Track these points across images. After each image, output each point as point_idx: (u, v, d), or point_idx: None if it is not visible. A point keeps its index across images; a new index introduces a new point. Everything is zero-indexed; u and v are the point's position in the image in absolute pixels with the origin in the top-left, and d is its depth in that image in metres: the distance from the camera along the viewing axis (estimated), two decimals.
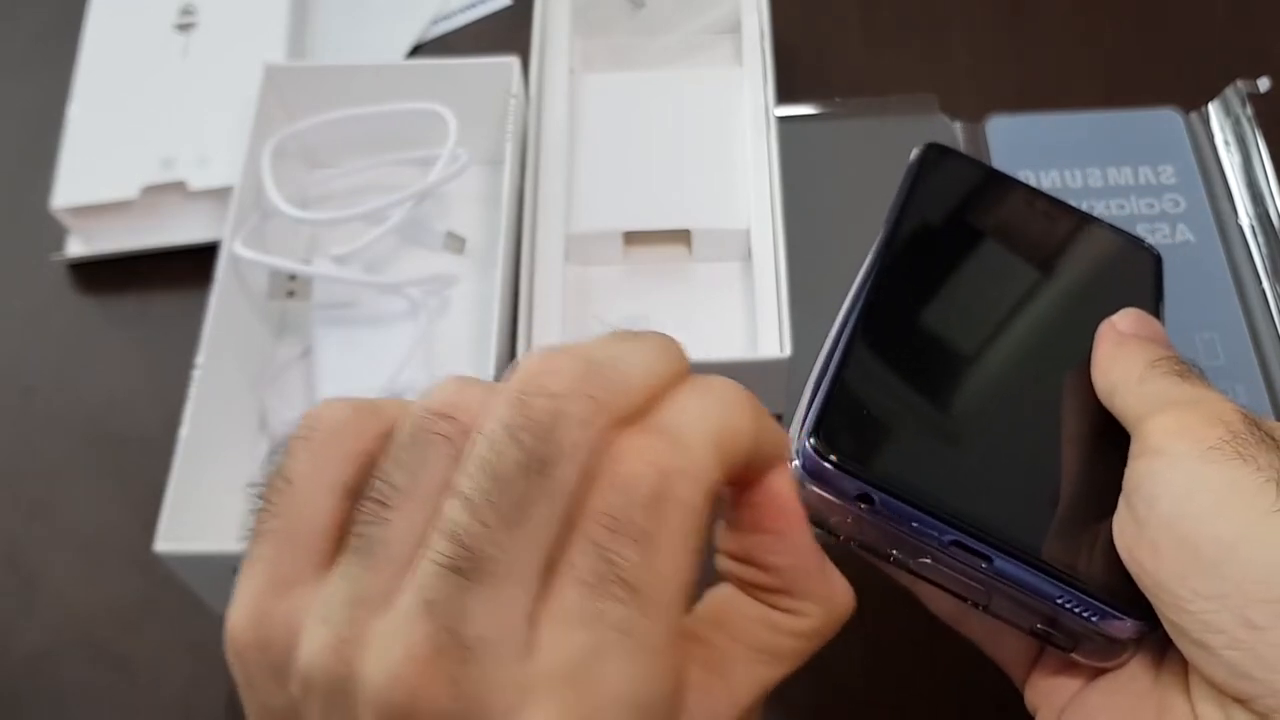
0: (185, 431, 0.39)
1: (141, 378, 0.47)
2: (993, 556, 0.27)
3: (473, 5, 0.57)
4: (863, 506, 0.27)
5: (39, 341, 0.49)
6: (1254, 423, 0.26)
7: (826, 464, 0.27)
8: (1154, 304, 0.34)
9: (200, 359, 0.40)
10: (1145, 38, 0.55)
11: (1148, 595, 0.26)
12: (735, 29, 0.52)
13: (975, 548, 0.27)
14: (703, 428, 0.21)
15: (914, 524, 0.27)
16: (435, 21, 0.57)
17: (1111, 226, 0.36)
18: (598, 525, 0.20)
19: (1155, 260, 0.35)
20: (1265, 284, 0.46)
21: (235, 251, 0.43)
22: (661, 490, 0.20)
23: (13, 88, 0.56)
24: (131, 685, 0.41)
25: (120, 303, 0.50)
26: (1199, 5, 0.56)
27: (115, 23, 0.53)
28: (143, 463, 0.43)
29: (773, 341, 0.42)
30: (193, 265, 0.47)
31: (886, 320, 0.31)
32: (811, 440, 0.28)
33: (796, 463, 0.28)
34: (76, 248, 0.50)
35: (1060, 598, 0.27)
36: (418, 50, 0.56)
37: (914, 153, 0.36)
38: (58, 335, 0.49)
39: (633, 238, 0.47)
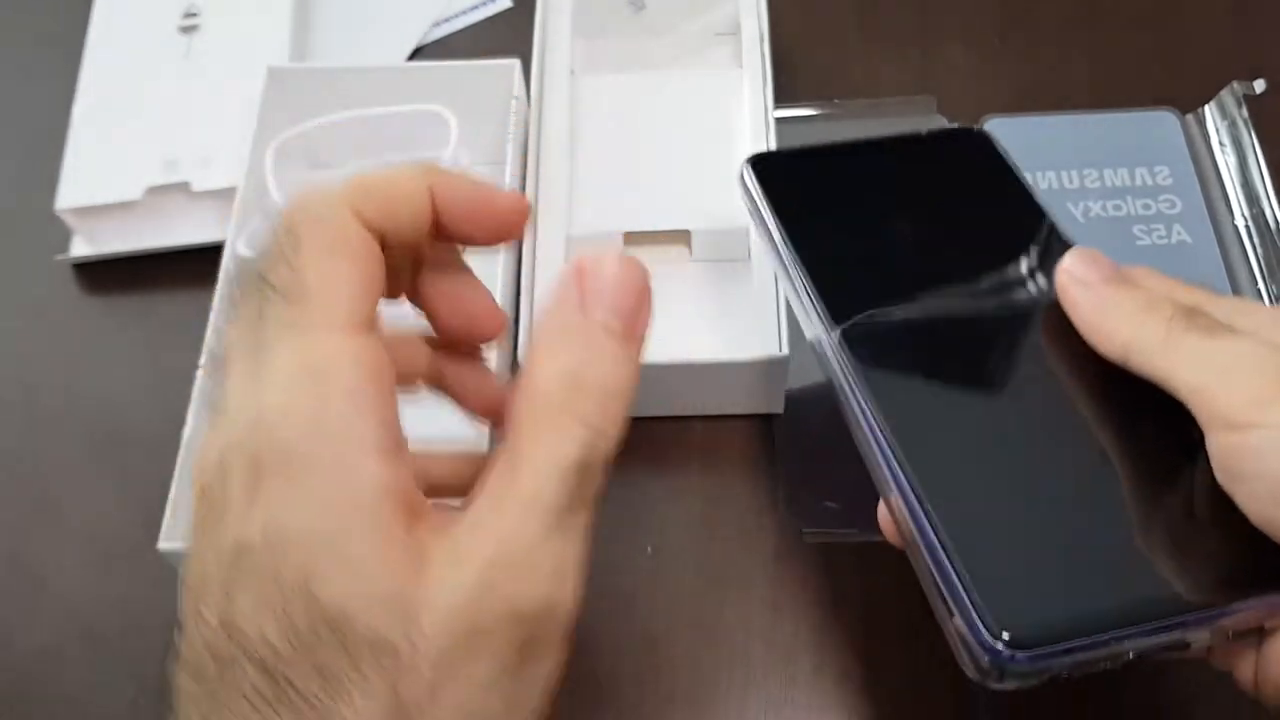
0: (189, 431, 0.39)
1: (145, 378, 0.48)
2: (1183, 634, 0.26)
3: (474, 8, 0.58)
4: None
5: (43, 342, 0.49)
6: None
7: (1028, 653, 0.25)
8: (1018, 180, 0.37)
9: (204, 359, 0.41)
10: (1142, 40, 0.55)
11: None
12: (735, 31, 0.52)
13: (1166, 642, 0.26)
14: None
15: (1109, 645, 0.26)
16: (436, 24, 0.57)
17: (931, 133, 0.39)
18: None
19: (985, 138, 0.38)
20: (1260, 285, 0.46)
21: (239, 252, 0.43)
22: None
23: (17, 89, 0.56)
24: (134, 683, 0.41)
25: (124, 303, 0.50)
26: (1196, 7, 0.56)
27: (119, 25, 0.54)
28: (146, 462, 0.43)
29: (773, 341, 0.42)
30: (196, 266, 0.47)
31: (932, 445, 0.29)
32: (1001, 640, 0.25)
33: (989, 662, 0.25)
34: (81, 248, 0.50)
35: (1239, 609, 0.26)
36: (419, 53, 0.56)
37: (744, 176, 0.37)
38: (62, 335, 0.49)
39: (633, 238, 0.47)
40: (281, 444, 0.22)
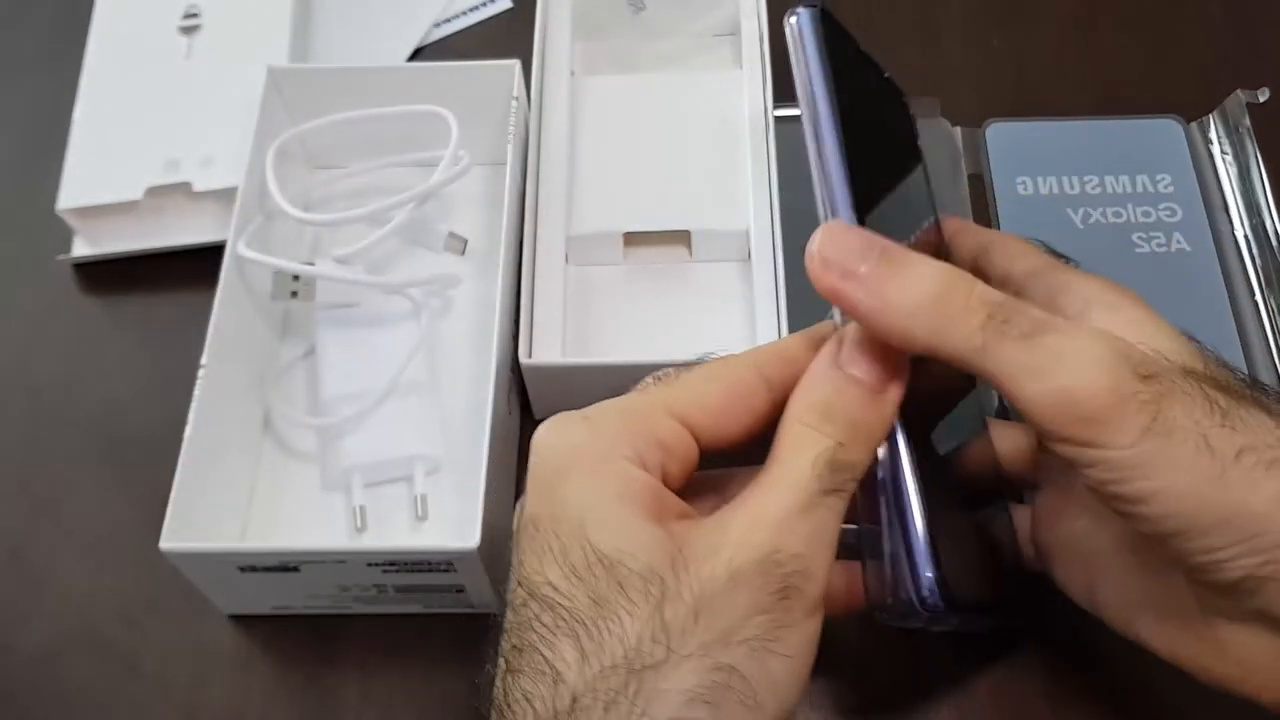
0: (190, 431, 0.39)
1: (146, 378, 0.48)
2: None
3: (474, 8, 0.58)
4: None
5: (45, 342, 0.49)
6: (1146, 359, 0.27)
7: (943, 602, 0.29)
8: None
9: (205, 359, 0.41)
10: (1148, 47, 0.55)
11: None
12: (735, 31, 0.52)
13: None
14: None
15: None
16: (437, 24, 0.57)
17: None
18: None
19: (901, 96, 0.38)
20: (1258, 296, 0.46)
21: (239, 252, 0.43)
22: None
23: (18, 90, 0.56)
24: (136, 683, 0.41)
25: (125, 303, 0.50)
26: (1202, 14, 0.56)
27: (120, 25, 0.54)
28: (147, 462, 0.43)
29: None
30: (197, 266, 0.47)
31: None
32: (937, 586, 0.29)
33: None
34: (82, 249, 0.50)
35: None
36: (420, 53, 0.56)
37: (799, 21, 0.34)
38: (63, 336, 0.49)
39: (633, 238, 0.47)
40: (561, 457, 0.29)
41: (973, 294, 0.28)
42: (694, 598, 0.26)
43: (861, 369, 0.29)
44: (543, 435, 0.30)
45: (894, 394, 0.30)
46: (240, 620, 0.42)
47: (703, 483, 0.31)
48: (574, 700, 0.26)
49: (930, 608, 0.29)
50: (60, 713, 0.41)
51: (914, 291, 0.28)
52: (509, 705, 0.27)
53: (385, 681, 0.41)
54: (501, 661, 0.28)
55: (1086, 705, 0.39)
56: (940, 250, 0.35)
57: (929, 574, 0.29)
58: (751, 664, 0.26)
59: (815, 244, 0.29)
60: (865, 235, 0.29)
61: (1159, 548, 0.28)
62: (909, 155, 0.37)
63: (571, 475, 0.29)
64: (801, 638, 0.27)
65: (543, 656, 0.27)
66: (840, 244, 0.29)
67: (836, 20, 0.35)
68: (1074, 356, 0.27)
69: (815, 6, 0.34)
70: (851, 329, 0.30)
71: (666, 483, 0.30)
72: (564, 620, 0.27)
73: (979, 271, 0.33)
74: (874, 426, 0.29)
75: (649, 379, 0.31)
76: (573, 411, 0.30)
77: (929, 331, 0.28)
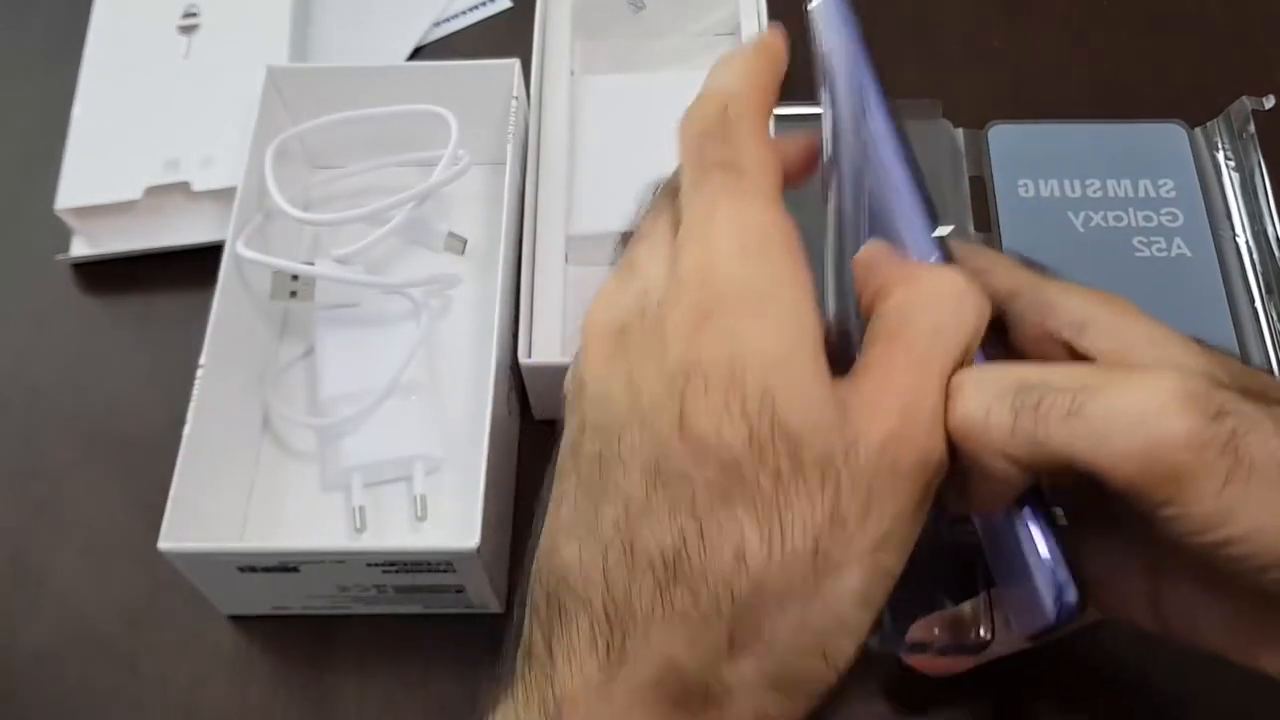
0: (189, 431, 0.39)
1: (145, 378, 0.48)
2: None
3: (474, 8, 0.58)
4: None
5: (44, 342, 0.49)
6: (1207, 395, 0.25)
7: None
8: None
9: (204, 359, 0.41)
10: (1152, 50, 0.55)
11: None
12: (734, 31, 0.52)
13: None
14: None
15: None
16: (437, 24, 0.57)
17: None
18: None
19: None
20: (1258, 303, 0.46)
21: (238, 252, 0.43)
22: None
23: (17, 89, 0.56)
24: (135, 683, 0.41)
25: (124, 303, 0.50)
26: (1206, 19, 0.56)
27: (119, 24, 0.54)
28: (147, 462, 0.43)
29: None
30: (196, 266, 0.47)
31: None
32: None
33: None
34: (81, 249, 0.50)
35: None
36: (419, 52, 0.56)
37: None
38: (62, 336, 0.49)
39: None
40: (736, 288, 0.26)
41: (981, 397, 0.27)
42: (864, 497, 0.25)
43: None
44: (708, 260, 0.27)
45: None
46: (239, 620, 0.42)
47: None
48: (757, 584, 0.25)
49: (1067, 609, 0.28)
50: (59, 713, 0.41)
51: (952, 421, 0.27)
52: (674, 582, 0.25)
53: (384, 682, 0.41)
54: (653, 534, 0.25)
55: (1086, 706, 0.39)
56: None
57: (1059, 578, 0.28)
58: (895, 564, 0.26)
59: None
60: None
61: (1244, 577, 0.26)
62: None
63: (749, 318, 0.26)
64: (916, 533, 0.27)
65: (719, 527, 0.25)
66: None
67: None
68: (1133, 415, 0.25)
69: None
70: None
71: None
72: (744, 489, 0.25)
73: None
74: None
75: (706, 168, 0.29)
76: (721, 220, 0.27)
77: (977, 453, 0.27)
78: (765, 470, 0.25)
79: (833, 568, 0.25)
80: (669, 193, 0.30)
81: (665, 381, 0.26)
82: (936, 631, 0.32)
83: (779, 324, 0.26)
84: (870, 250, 0.29)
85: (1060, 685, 0.39)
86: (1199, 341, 0.29)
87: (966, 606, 0.32)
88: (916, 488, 0.26)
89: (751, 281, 0.26)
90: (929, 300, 0.27)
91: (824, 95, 0.31)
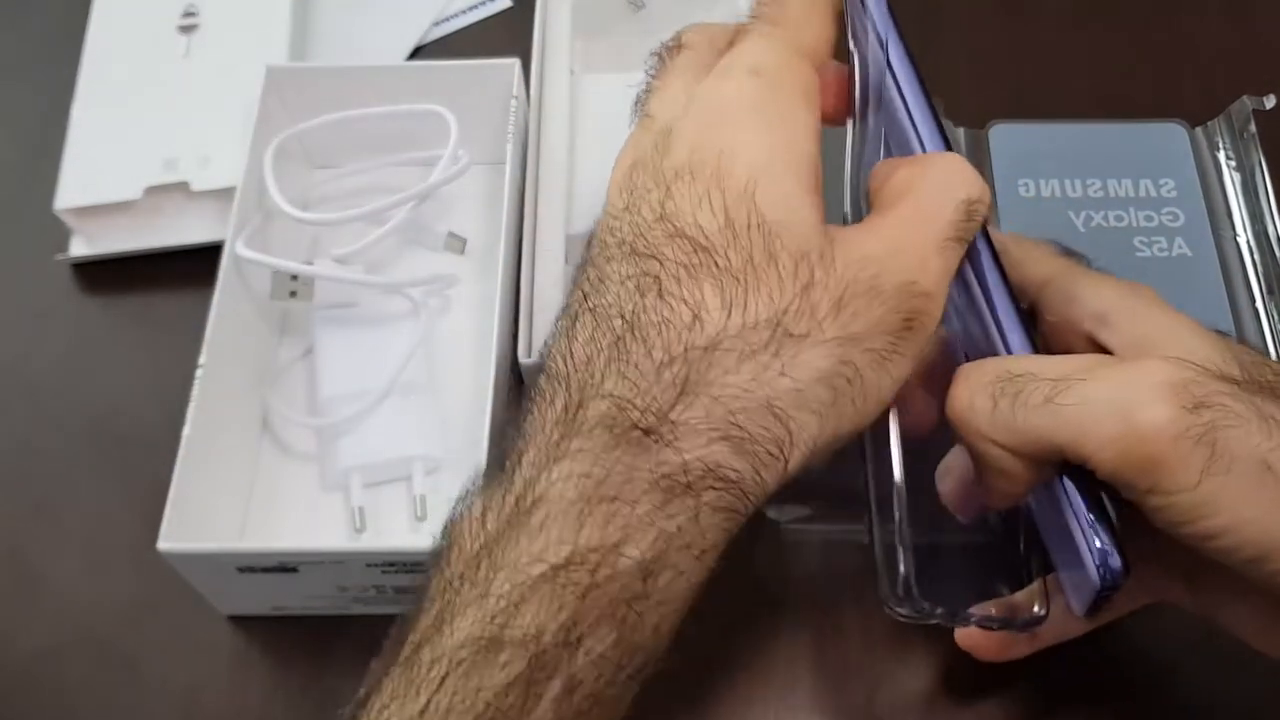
0: (188, 431, 0.39)
1: (145, 378, 0.48)
2: None
3: (474, 7, 0.58)
4: None
5: (43, 342, 0.49)
6: (1186, 385, 0.26)
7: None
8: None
9: (203, 359, 0.41)
10: (1153, 50, 0.55)
11: None
12: None
13: None
14: None
15: None
16: (436, 23, 0.57)
17: None
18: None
19: None
20: (1259, 303, 0.46)
21: (238, 252, 0.43)
22: None
23: (16, 89, 0.56)
24: (134, 683, 0.41)
25: (123, 303, 0.50)
26: (1207, 19, 0.56)
27: (118, 24, 0.54)
28: (146, 462, 0.43)
29: None
30: (195, 266, 0.47)
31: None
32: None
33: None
34: (80, 248, 0.50)
35: None
36: (419, 52, 0.56)
37: None
38: (61, 335, 0.49)
39: None
40: (743, 106, 0.29)
41: (968, 386, 0.29)
42: (837, 294, 0.27)
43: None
44: (718, 85, 0.29)
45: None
46: (239, 621, 0.42)
47: None
48: (713, 342, 0.26)
49: (1112, 573, 0.29)
50: (58, 714, 0.41)
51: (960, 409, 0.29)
52: (630, 335, 0.27)
53: None
54: (615, 295, 0.27)
55: (1090, 705, 0.39)
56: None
57: (1099, 544, 0.29)
58: (869, 370, 0.27)
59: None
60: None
61: (1239, 570, 0.27)
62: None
63: (746, 134, 0.28)
64: (903, 369, 0.28)
65: (679, 292, 0.27)
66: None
67: None
68: (1109, 404, 0.26)
69: None
70: None
71: None
72: (713, 266, 0.27)
73: None
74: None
75: (753, 20, 0.31)
76: (741, 53, 0.30)
77: (968, 442, 0.29)
78: (737, 251, 0.27)
79: (794, 341, 0.27)
80: (678, 48, 0.32)
81: (656, 178, 0.29)
82: (994, 610, 0.33)
83: (774, 139, 0.28)
84: (882, 161, 0.31)
85: (1089, 684, 0.39)
86: (1221, 334, 0.30)
87: (1021, 594, 0.33)
88: (896, 311, 0.27)
89: (758, 103, 0.29)
90: (929, 170, 0.30)
91: (850, 38, 0.33)
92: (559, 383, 0.27)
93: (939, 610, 0.31)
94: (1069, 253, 0.34)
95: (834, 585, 0.41)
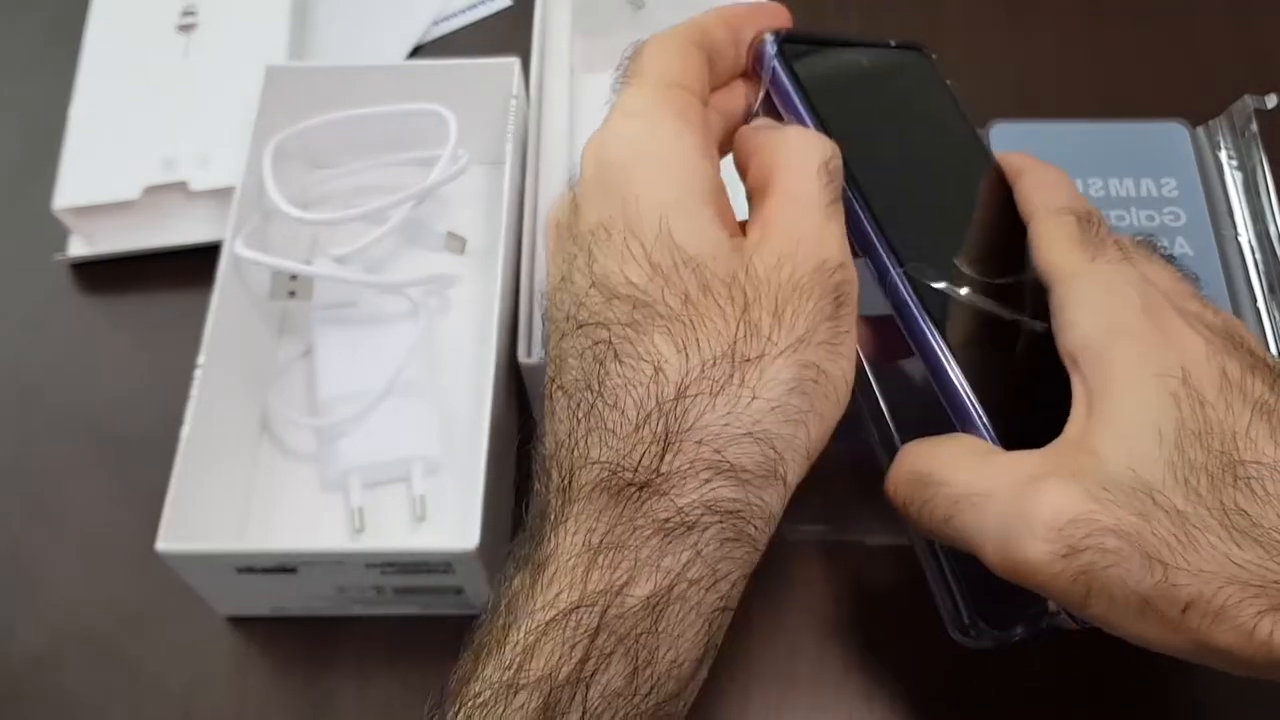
0: (187, 431, 0.39)
1: (143, 378, 0.48)
2: None
3: (473, 6, 0.58)
4: None
5: (41, 342, 0.49)
6: (1070, 525, 0.27)
7: None
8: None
9: (202, 359, 0.41)
10: (1154, 49, 0.55)
11: None
12: None
13: None
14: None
15: None
16: (436, 22, 0.57)
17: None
18: None
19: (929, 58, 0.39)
20: (1260, 302, 0.46)
21: (237, 252, 0.43)
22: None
23: (15, 88, 0.56)
24: (133, 685, 0.41)
25: (122, 303, 0.50)
26: (1208, 18, 0.56)
27: (117, 23, 0.53)
28: (144, 462, 0.43)
29: None
30: (194, 265, 0.47)
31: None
32: None
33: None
34: (78, 248, 0.50)
35: None
36: (418, 51, 0.56)
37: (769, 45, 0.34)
38: (60, 335, 0.49)
39: None
40: (626, 152, 0.30)
41: (894, 478, 0.31)
42: (771, 305, 0.28)
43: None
44: (600, 136, 0.31)
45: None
46: (238, 622, 0.42)
47: None
48: (680, 390, 0.27)
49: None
50: (57, 714, 0.41)
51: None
52: (601, 402, 0.27)
53: (383, 684, 0.41)
54: (577, 370, 0.28)
55: (1090, 705, 0.39)
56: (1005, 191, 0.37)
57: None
58: (828, 363, 0.28)
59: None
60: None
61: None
62: (945, 117, 0.37)
63: (641, 173, 0.29)
64: (851, 343, 0.29)
65: (635, 351, 0.28)
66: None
67: (801, 37, 0.35)
68: (994, 538, 0.28)
69: (776, 35, 0.34)
70: None
71: None
72: (657, 316, 0.28)
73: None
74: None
75: (632, 56, 0.33)
76: (614, 110, 0.31)
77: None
78: (673, 294, 0.28)
79: (754, 364, 0.27)
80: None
81: (578, 242, 0.30)
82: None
83: (668, 173, 0.29)
84: (736, 137, 0.33)
85: (1089, 684, 0.39)
86: (1219, 335, 0.30)
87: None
88: (822, 293, 0.29)
89: (638, 142, 0.30)
90: (777, 152, 0.31)
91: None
92: (551, 461, 0.28)
93: (1018, 630, 0.32)
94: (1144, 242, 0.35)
95: (834, 585, 0.41)
